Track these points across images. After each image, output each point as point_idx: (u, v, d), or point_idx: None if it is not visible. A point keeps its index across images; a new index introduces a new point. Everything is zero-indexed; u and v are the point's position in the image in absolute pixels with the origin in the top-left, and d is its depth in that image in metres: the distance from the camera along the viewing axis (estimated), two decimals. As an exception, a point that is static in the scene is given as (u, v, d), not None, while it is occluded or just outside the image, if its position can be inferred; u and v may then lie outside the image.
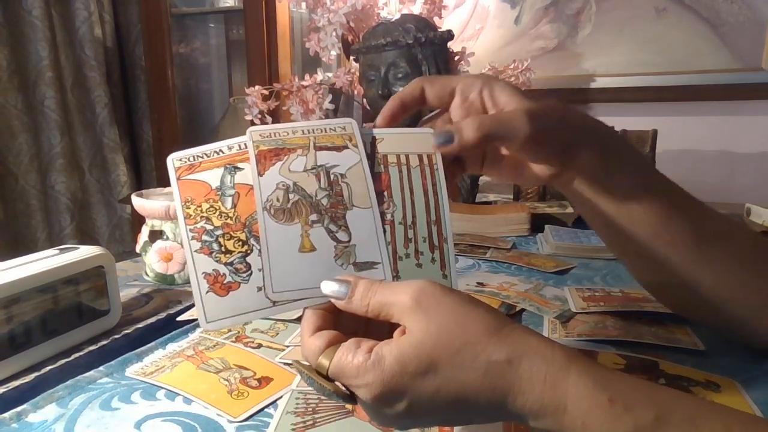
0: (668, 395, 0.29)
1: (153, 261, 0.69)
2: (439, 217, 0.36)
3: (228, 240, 0.34)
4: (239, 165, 0.35)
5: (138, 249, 0.70)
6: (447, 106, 0.43)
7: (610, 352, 0.49)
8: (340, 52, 1.29)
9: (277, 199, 0.34)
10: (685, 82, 1.44)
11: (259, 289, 0.34)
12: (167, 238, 0.68)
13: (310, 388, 0.42)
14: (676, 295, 0.48)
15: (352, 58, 1.18)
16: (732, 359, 0.48)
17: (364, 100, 1.23)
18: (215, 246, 0.34)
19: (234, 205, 0.35)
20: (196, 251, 0.34)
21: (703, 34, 1.41)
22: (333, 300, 0.33)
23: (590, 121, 0.42)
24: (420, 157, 0.38)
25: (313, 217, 0.35)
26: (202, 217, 0.35)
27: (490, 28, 1.65)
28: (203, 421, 0.39)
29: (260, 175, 0.34)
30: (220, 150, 0.36)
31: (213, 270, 0.34)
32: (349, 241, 0.35)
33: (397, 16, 1.14)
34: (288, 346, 0.50)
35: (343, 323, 0.34)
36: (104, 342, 0.52)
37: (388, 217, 0.36)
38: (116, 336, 0.54)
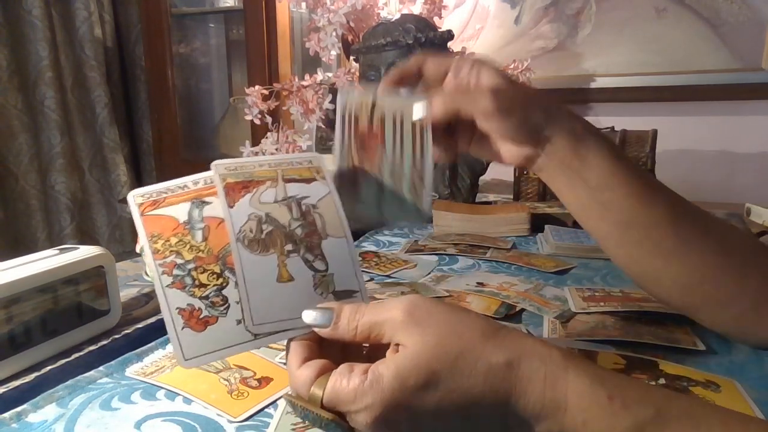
0: (664, 393, 0.29)
1: (153, 261, 0.68)
2: (421, 165, 0.42)
3: (201, 273, 0.33)
4: (206, 199, 0.34)
5: (138, 249, 0.70)
6: (441, 83, 0.46)
7: (610, 352, 0.49)
8: (340, 52, 1.29)
9: (251, 230, 0.33)
10: (685, 82, 1.44)
11: (239, 322, 0.33)
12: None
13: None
14: (659, 285, 0.48)
15: (352, 58, 1.18)
16: (732, 359, 0.48)
17: (364, 100, 1.23)
18: (188, 280, 0.33)
19: (205, 238, 0.34)
20: (167, 286, 0.32)
21: (703, 34, 1.41)
22: (316, 329, 0.32)
23: (560, 107, 0.45)
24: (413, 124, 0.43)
25: (289, 246, 0.34)
26: (171, 251, 0.33)
27: (490, 28, 1.65)
28: (203, 421, 0.39)
29: (230, 206, 0.34)
30: (185, 185, 0.35)
31: (188, 305, 0.32)
32: (326, 270, 0.35)
33: (397, 16, 1.14)
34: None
35: (325, 353, 0.33)
36: (104, 342, 0.52)
37: (378, 163, 0.42)
38: (116, 336, 0.54)
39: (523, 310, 0.59)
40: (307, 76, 1.30)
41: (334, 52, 1.26)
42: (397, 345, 0.30)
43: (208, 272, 0.33)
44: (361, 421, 0.29)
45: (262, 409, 0.40)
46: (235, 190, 0.34)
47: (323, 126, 1.28)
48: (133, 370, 0.46)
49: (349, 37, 1.28)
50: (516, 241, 0.90)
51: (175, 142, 1.87)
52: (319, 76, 1.30)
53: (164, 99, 1.84)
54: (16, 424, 0.39)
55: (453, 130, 0.47)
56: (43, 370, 0.46)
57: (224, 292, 0.33)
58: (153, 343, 0.51)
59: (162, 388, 0.43)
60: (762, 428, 0.27)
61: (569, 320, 0.56)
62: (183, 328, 0.32)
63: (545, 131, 0.44)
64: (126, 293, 0.65)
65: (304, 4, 1.32)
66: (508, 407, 0.29)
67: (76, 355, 0.50)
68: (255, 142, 1.34)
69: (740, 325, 0.47)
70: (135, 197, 0.34)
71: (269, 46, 1.65)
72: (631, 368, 0.45)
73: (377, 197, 0.42)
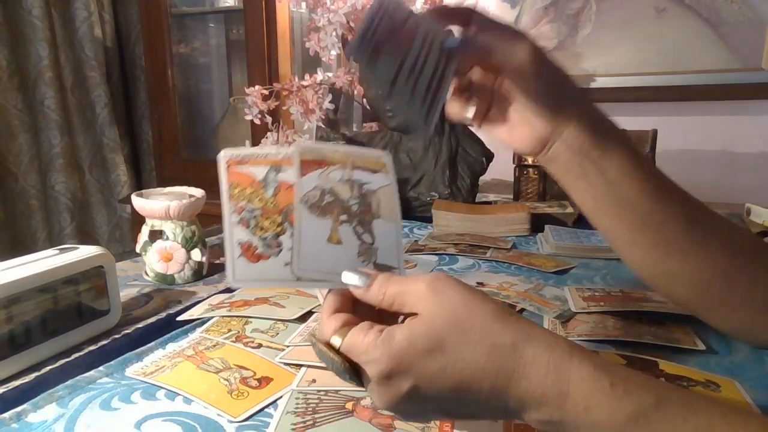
0: (664, 383, 0.30)
1: (153, 261, 0.69)
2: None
3: (265, 220, 0.39)
4: (283, 167, 0.39)
5: (138, 249, 0.70)
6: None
7: (610, 352, 0.49)
8: (340, 52, 1.29)
9: (314, 197, 0.38)
10: (685, 82, 1.44)
11: (287, 264, 0.38)
12: (167, 238, 0.68)
13: (310, 389, 0.43)
14: (672, 286, 0.47)
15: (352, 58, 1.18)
16: (732, 359, 0.48)
17: (364, 100, 1.23)
18: (252, 222, 0.39)
19: (275, 195, 0.39)
20: (235, 223, 0.39)
21: (703, 34, 1.41)
22: (351, 288, 0.35)
23: (583, 95, 0.44)
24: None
25: (344, 217, 0.38)
26: (244, 197, 0.39)
27: (490, 28, 1.65)
28: (203, 421, 0.39)
29: (302, 176, 0.39)
30: (268, 154, 0.41)
31: (247, 240, 0.38)
32: (372, 243, 0.38)
33: (397, 16, 1.14)
34: (288, 346, 0.50)
35: (359, 315, 0.36)
36: (104, 342, 0.52)
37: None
38: (116, 336, 0.54)
39: (523, 310, 0.59)
40: (307, 76, 1.30)
41: (334, 52, 1.26)
42: (416, 314, 0.32)
43: (271, 220, 0.39)
44: (369, 372, 0.31)
45: (262, 409, 0.40)
46: (309, 165, 0.39)
47: (323, 126, 1.28)
48: (133, 370, 0.46)
49: (349, 37, 1.28)
50: (516, 241, 0.90)
51: (175, 142, 1.87)
52: (319, 76, 1.30)
53: (164, 99, 1.84)
54: (16, 424, 0.39)
55: (470, 96, 0.45)
56: (43, 370, 0.46)
57: (281, 238, 0.39)
58: (153, 343, 0.51)
59: (162, 388, 0.43)
60: (760, 421, 0.28)
61: (569, 320, 0.56)
62: (239, 256, 0.38)
63: (570, 108, 0.42)
64: (126, 293, 0.65)
65: (304, 4, 1.32)
66: (509, 389, 0.29)
67: (76, 355, 0.50)
68: (255, 142, 1.34)
69: (751, 327, 0.46)
70: (225, 153, 0.40)
71: (269, 46, 1.65)
72: (631, 368, 0.45)
73: (391, 76, 0.40)
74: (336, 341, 0.33)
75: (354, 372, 0.32)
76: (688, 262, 0.44)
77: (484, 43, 0.42)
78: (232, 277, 0.38)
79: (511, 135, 0.44)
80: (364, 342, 0.31)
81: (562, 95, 0.43)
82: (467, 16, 0.43)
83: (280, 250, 0.39)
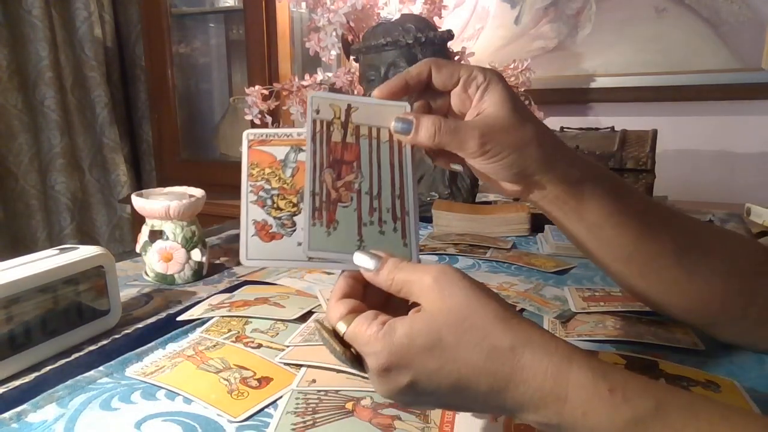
0: (666, 387, 0.30)
1: (153, 261, 0.69)
2: (403, 192, 0.38)
3: (281, 200, 0.40)
4: (304, 148, 0.39)
5: (138, 249, 0.70)
6: (449, 93, 0.43)
7: (610, 352, 0.49)
8: (340, 52, 1.29)
9: None
10: (685, 82, 1.44)
11: (299, 244, 0.38)
12: (167, 238, 0.68)
13: (310, 389, 0.43)
14: (666, 309, 0.48)
15: (352, 58, 1.18)
16: (732, 359, 0.48)
17: (364, 100, 1.23)
18: (269, 202, 0.40)
19: (293, 176, 0.40)
20: (251, 202, 0.40)
21: (703, 34, 1.41)
22: (362, 270, 0.35)
23: (557, 150, 0.41)
24: (390, 132, 0.39)
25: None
26: (263, 177, 0.40)
27: (490, 28, 1.65)
28: (203, 421, 0.39)
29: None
30: (290, 134, 0.42)
31: (262, 219, 0.39)
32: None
33: (397, 16, 1.14)
34: (288, 346, 0.50)
35: (369, 297, 0.36)
36: (104, 342, 0.52)
37: (356, 186, 0.38)
38: (116, 336, 0.54)
39: (523, 310, 0.59)
40: (307, 76, 1.30)
41: (334, 52, 1.27)
42: (420, 306, 0.32)
43: (287, 201, 0.40)
44: (370, 364, 0.32)
45: (262, 409, 0.40)
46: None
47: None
48: (133, 370, 0.46)
49: (349, 37, 1.28)
50: (516, 241, 0.90)
51: (175, 142, 1.86)
52: (319, 76, 1.30)
53: (164, 99, 1.84)
54: (16, 424, 0.39)
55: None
56: (43, 370, 0.46)
57: (295, 218, 0.40)
58: (153, 343, 0.51)
59: (162, 388, 0.43)
60: (762, 422, 0.27)
61: (569, 320, 0.56)
62: (253, 236, 0.39)
63: (536, 176, 0.41)
64: (126, 293, 0.65)
65: (304, 4, 1.32)
66: (506, 391, 0.29)
67: (76, 355, 0.50)
68: (255, 142, 1.34)
69: (754, 335, 0.47)
70: (248, 134, 0.41)
71: (269, 46, 1.64)
72: (631, 368, 0.45)
73: (354, 234, 0.37)
74: (341, 327, 0.33)
75: (356, 360, 0.33)
76: (678, 290, 0.44)
77: (430, 140, 0.38)
78: (245, 256, 0.39)
79: (491, 183, 0.44)
80: (367, 333, 0.31)
81: (528, 164, 0.40)
82: (427, 77, 0.41)
83: (294, 230, 0.40)
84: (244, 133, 0.41)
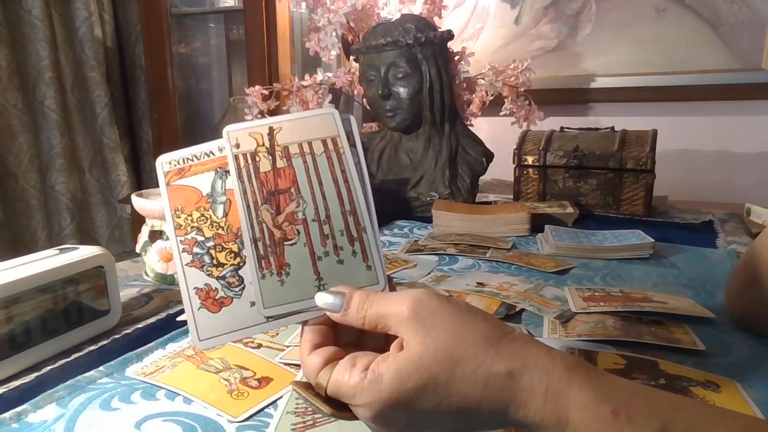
0: (670, 402, 0.28)
1: (153, 261, 0.69)
2: (354, 206, 0.34)
3: (220, 252, 0.34)
4: (229, 169, 0.35)
5: (138, 249, 0.70)
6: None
7: (610, 352, 0.49)
8: (340, 52, 1.29)
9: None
10: (685, 82, 1.44)
11: (252, 304, 0.33)
12: (167, 238, 0.68)
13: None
14: None
15: (352, 58, 1.18)
16: (732, 359, 0.48)
17: (364, 100, 1.23)
18: (206, 258, 0.34)
19: (225, 214, 0.34)
20: (187, 264, 0.33)
21: (703, 34, 1.41)
22: (328, 312, 0.32)
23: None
24: (324, 142, 0.35)
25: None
26: (192, 227, 0.34)
27: (490, 28, 1.65)
28: (203, 421, 0.39)
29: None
30: (211, 152, 0.36)
31: (205, 284, 0.33)
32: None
33: (397, 16, 1.14)
34: (288, 346, 0.50)
35: (341, 333, 0.34)
36: (104, 342, 0.52)
37: (299, 215, 0.34)
38: (116, 336, 0.54)
39: (523, 310, 0.59)
40: (307, 76, 1.30)
41: (334, 52, 1.27)
42: (402, 340, 0.30)
43: (227, 251, 0.34)
44: (362, 415, 0.30)
45: (262, 409, 0.40)
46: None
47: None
48: (133, 370, 0.46)
49: (349, 37, 1.28)
50: (516, 241, 0.90)
51: (175, 142, 1.86)
52: (319, 76, 1.30)
53: (164, 99, 1.84)
54: (16, 424, 0.39)
55: None
56: (43, 370, 0.46)
57: (240, 272, 0.34)
58: (153, 343, 0.51)
59: (162, 388, 0.43)
60: None
61: (569, 320, 0.56)
62: (199, 308, 0.33)
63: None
64: (126, 293, 0.65)
65: (304, 4, 1.32)
66: (508, 413, 0.29)
67: (76, 355, 0.50)
68: (255, 142, 1.34)
69: None
70: (163, 164, 0.35)
71: (269, 46, 1.65)
72: (631, 368, 0.45)
73: (311, 273, 0.33)
74: (321, 382, 0.30)
75: (347, 411, 0.30)
76: None
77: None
78: (197, 337, 0.33)
79: None
80: (350, 384, 0.29)
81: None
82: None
83: (243, 288, 0.33)
84: (158, 163, 0.34)
